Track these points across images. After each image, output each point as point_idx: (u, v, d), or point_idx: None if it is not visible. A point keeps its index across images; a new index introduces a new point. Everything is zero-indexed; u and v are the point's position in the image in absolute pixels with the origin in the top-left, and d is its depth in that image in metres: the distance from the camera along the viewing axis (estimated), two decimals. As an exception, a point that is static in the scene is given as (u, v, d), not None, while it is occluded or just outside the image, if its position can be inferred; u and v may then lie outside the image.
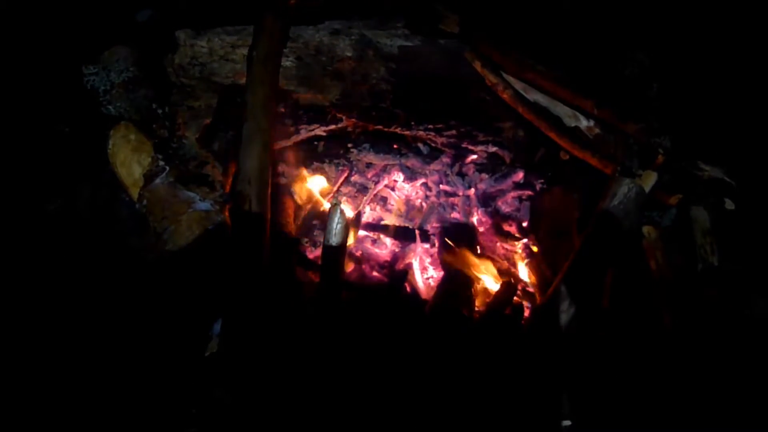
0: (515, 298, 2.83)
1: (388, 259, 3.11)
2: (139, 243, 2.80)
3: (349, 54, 3.12)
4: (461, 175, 3.43)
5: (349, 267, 3.00)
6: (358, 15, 3.20)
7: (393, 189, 3.43)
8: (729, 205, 2.73)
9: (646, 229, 2.64)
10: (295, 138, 3.36)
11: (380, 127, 3.37)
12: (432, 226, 3.21)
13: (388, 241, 3.17)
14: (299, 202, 3.24)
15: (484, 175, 3.40)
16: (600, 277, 2.38)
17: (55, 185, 2.94)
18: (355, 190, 3.43)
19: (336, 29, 3.12)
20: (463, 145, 3.43)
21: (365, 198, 3.33)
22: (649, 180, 2.44)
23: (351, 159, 3.52)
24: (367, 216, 3.28)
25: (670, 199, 2.60)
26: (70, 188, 2.94)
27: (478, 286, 2.88)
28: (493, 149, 3.41)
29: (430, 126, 3.33)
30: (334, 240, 2.45)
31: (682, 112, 3.07)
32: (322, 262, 2.48)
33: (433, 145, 3.51)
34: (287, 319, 2.53)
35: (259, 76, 2.81)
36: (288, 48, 3.03)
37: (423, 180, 3.44)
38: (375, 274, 3.02)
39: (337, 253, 2.48)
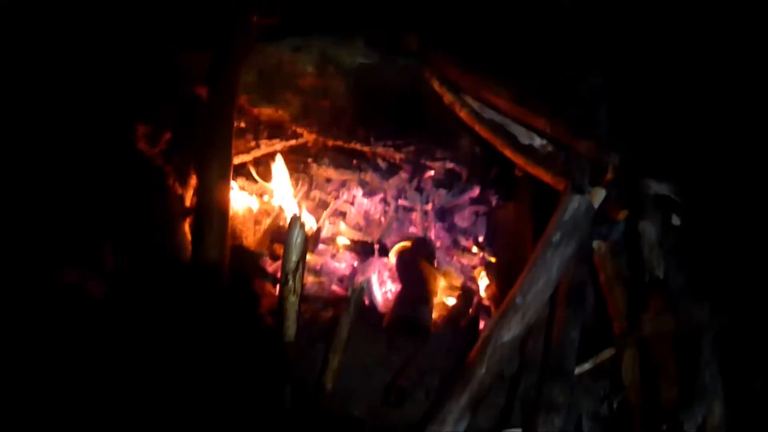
0: (471, 310, 2.89)
1: (347, 272, 3.14)
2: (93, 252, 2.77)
3: (310, 70, 3.17)
4: (419, 190, 3.50)
5: (308, 280, 3.02)
6: (319, 32, 3.25)
7: (352, 203, 3.47)
8: (675, 220, 2.85)
9: (596, 243, 2.74)
10: (255, 152, 3.39)
11: (340, 142, 3.42)
12: (390, 240, 3.26)
13: (347, 255, 3.21)
14: (258, 215, 3.25)
15: (442, 191, 3.47)
16: (552, 290, 2.45)
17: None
18: (314, 204, 3.46)
19: (297, 45, 3.18)
20: (421, 161, 3.51)
21: (325, 212, 3.36)
22: (598, 196, 2.54)
23: (311, 173, 3.56)
24: (327, 230, 3.31)
25: (618, 214, 2.69)
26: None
27: (435, 299, 2.93)
28: (451, 165, 3.49)
29: (389, 142, 3.40)
30: (294, 254, 2.47)
31: (630, 131, 3.19)
32: (281, 275, 2.50)
33: (391, 160, 3.58)
34: (245, 331, 2.55)
35: (220, 90, 2.84)
36: (250, 63, 3.07)
37: (381, 195, 3.49)
38: (334, 287, 3.05)
39: (296, 267, 2.50)
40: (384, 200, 3.48)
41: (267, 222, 3.21)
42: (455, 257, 3.24)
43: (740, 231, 2.91)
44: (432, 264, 3.08)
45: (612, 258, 2.72)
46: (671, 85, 3.37)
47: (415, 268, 3.00)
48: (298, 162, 3.58)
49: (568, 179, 2.74)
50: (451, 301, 2.98)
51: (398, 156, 3.49)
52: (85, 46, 2.98)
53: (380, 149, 3.45)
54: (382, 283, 3.12)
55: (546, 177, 2.92)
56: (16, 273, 2.45)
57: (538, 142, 3.15)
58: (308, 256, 2.79)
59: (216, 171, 2.69)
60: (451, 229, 3.34)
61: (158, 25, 3.19)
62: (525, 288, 2.40)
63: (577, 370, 2.46)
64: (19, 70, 2.83)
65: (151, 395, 2.30)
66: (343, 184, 3.53)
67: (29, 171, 2.73)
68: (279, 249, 3.09)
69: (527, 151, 3.09)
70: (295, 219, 2.46)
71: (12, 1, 2.88)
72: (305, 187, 3.49)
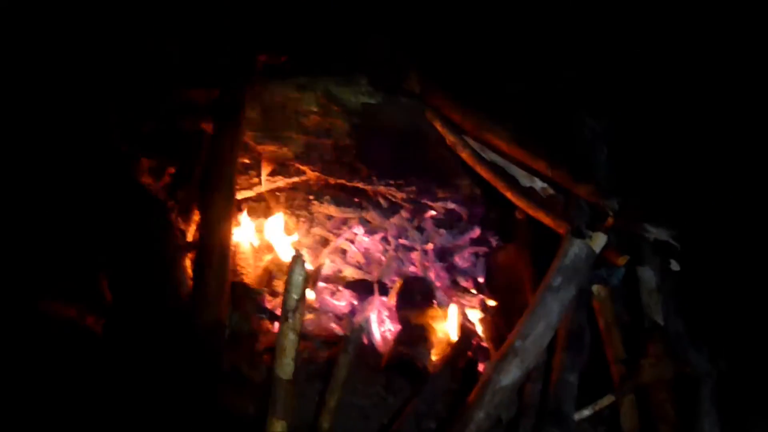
0: (469, 352, 2.88)
1: (346, 311, 3.14)
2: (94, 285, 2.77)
3: (314, 108, 3.20)
4: (420, 229, 3.52)
5: (307, 317, 3.02)
6: (323, 71, 3.29)
7: (353, 242, 3.48)
8: (674, 266, 2.85)
9: (595, 287, 2.74)
10: (258, 188, 3.41)
11: (342, 180, 3.44)
12: (390, 279, 3.26)
13: (346, 293, 3.21)
14: (260, 251, 3.26)
15: (442, 231, 3.49)
16: (552, 334, 2.45)
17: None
18: (315, 241, 3.47)
19: (302, 84, 3.21)
20: (422, 201, 3.53)
21: (326, 250, 3.37)
22: (599, 241, 2.54)
23: (312, 211, 3.57)
24: (327, 268, 3.31)
25: (618, 259, 2.69)
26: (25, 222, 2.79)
27: (434, 340, 2.92)
28: (451, 206, 3.51)
29: (391, 181, 3.41)
30: (295, 291, 2.47)
31: (629, 177, 3.22)
32: (282, 312, 2.49)
33: (393, 199, 3.59)
34: (245, 368, 2.53)
35: (224, 128, 2.86)
36: (254, 100, 3.10)
37: (382, 233, 3.50)
38: (333, 325, 3.04)
39: (296, 305, 2.50)
40: (385, 239, 3.49)
41: (267, 258, 3.21)
42: (455, 297, 3.23)
43: (739, 277, 2.93)
44: (431, 304, 3.08)
45: (611, 303, 2.72)
46: (671, 130, 3.41)
47: (414, 308, 3.00)
48: (300, 199, 3.61)
49: (568, 223, 2.75)
50: (450, 342, 2.97)
51: (399, 195, 3.51)
52: (93, 80, 3.02)
53: (382, 188, 3.47)
54: (381, 322, 3.11)
55: (546, 220, 2.94)
56: (15, 306, 2.45)
57: (539, 184, 3.18)
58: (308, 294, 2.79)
59: (219, 207, 2.70)
60: (450, 269, 3.34)
61: (165, 60, 3.23)
62: (524, 332, 2.38)
63: (576, 417, 2.44)
64: (26, 103, 2.87)
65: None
66: (344, 222, 3.54)
67: (29, 205, 2.75)
68: (278, 285, 3.09)
69: (528, 193, 3.12)
70: (297, 257, 2.46)
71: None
72: (306, 225, 3.50)
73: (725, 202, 3.12)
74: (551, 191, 3.13)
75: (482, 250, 3.42)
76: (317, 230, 3.52)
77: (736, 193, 3.15)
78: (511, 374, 2.36)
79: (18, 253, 2.61)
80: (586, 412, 2.49)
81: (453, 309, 3.13)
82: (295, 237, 3.41)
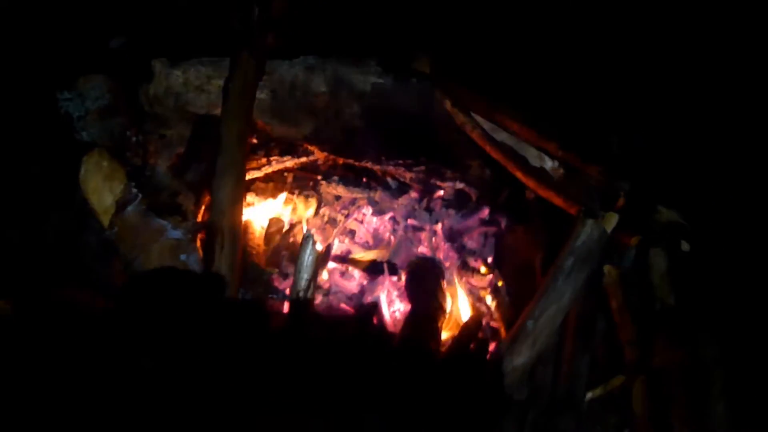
0: (480, 333, 2.89)
1: (356, 291, 3.14)
2: (105, 271, 2.78)
3: (323, 89, 3.18)
4: (429, 210, 3.51)
5: (318, 298, 3.03)
6: (332, 52, 3.27)
7: (361, 222, 3.48)
8: (685, 246, 2.84)
9: (606, 268, 2.73)
10: (267, 169, 3.40)
11: (351, 161, 3.43)
12: (400, 259, 3.26)
13: (356, 273, 3.21)
14: (269, 232, 3.26)
15: (451, 211, 3.48)
16: (564, 315, 2.45)
17: (22, 212, 2.88)
18: (323, 222, 3.47)
19: (311, 65, 3.19)
20: (431, 181, 3.51)
21: (335, 230, 3.37)
22: (611, 221, 2.53)
23: (320, 191, 3.58)
24: (336, 248, 3.32)
25: (630, 240, 2.68)
26: (37, 215, 2.89)
27: (444, 320, 2.93)
28: (461, 186, 3.50)
29: (400, 161, 3.40)
30: (306, 272, 2.48)
31: (641, 157, 3.20)
32: (292, 293, 2.50)
33: (401, 180, 3.58)
34: (256, 348, 2.54)
35: (233, 109, 2.84)
36: (263, 81, 3.08)
37: (391, 214, 3.50)
38: (343, 306, 3.05)
39: (307, 285, 2.51)
40: (393, 219, 3.49)
41: (277, 239, 3.21)
42: (464, 278, 3.23)
43: (752, 259, 2.91)
44: (441, 285, 3.08)
45: (623, 284, 2.71)
46: (682, 111, 3.38)
47: (424, 288, 3.00)
48: (308, 179, 3.62)
49: (580, 203, 2.74)
50: (460, 323, 2.98)
51: (408, 175, 3.50)
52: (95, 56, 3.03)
53: (390, 168, 3.46)
54: (390, 302, 3.12)
55: (557, 200, 2.92)
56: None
57: (549, 164, 3.16)
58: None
59: (229, 188, 2.69)
60: (460, 250, 3.34)
61: (173, 41, 3.22)
62: (536, 313, 2.39)
63: (588, 396, 2.45)
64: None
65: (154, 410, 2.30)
66: (353, 202, 3.54)
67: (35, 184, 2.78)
68: (289, 267, 3.10)
69: (539, 173, 3.10)
70: (308, 238, 2.47)
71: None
72: (314, 206, 3.50)
73: (739, 182, 3.09)
74: (562, 171, 3.11)
75: (492, 230, 3.40)
76: (325, 210, 3.52)
77: (749, 172, 3.12)
78: (522, 355, 2.38)
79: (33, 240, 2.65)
80: (598, 392, 2.50)
81: (462, 290, 3.14)
82: (304, 217, 3.41)
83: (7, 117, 2.98)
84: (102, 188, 2.71)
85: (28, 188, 2.90)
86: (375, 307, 3.03)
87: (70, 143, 2.86)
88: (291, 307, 2.56)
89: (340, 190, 3.59)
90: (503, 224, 3.39)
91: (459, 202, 3.53)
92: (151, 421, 2.24)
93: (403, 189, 3.61)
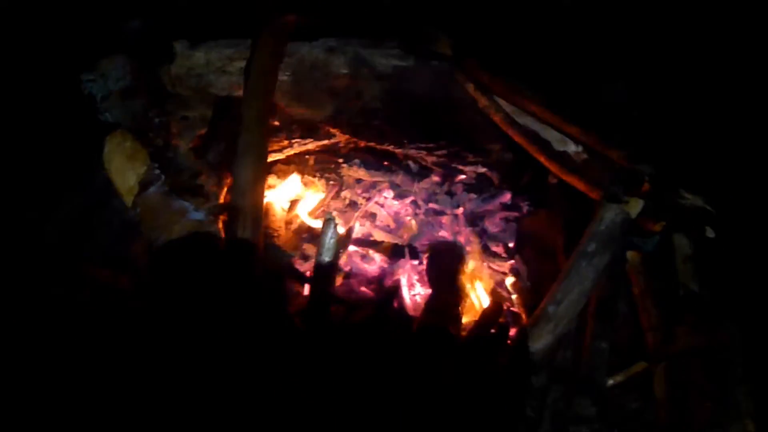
0: (501, 318, 2.88)
1: (377, 274, 3.14)
2: (127, 251, 2.81)
3: (344, 71, 3.17)
4: (450, 194, 3.49)
5: (338, 281, 3.03)
6: (353, 34, 3.25)
7: (382, 205, 3.47)
8: (709, 233, 2.80)
9: (629, 254, 2.71)
10: (288, 151, 3.40)
11: (372, 143, 3.42)
12: (420, 243, 3.25)
13: (377, 256, 3.21)
14: (290, 215, 3.27)
15: (472, 195, 3.46)
16: (585, 300, 2.43)
17: (42, 192, 2.90)
18: (344, 205, 3.47)
19: (332, 47, 3.17)
20: (453, 165, 3.50)
21: (356, 213, 3.37)
22: (636, 206, 2.50)
23: (341, 174, 3.57)
24: (357, 231, 3.32)
25: (654, 225, 2.65)
26: (57, 195, 2.92)
27: (466, 304, 2.92)
28: (482, 170, 3.48)
29: (421, 145, 3.39)
30: (327, 254, 2.49)
31: (663, 141, 3.15)
32: (313, 275, 2.51)
33: (423, 163, 3.57)
34: (276, 330, 2.56)
35: (255, 91, 2.85)
36: (284, 63, 3.07)
37: (412, 197, 3.49)
38: (363, 289, 3.05)
39: (328, 268, 2.52)
40: (414, 203, 3.47)
41: (298, 222, 3.22)
42: (485, 262, 3.22)
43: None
44: (462, 269, 3.07)
45: (645, 270, 2.68)
46: (707, 94, 3.32)
47: (445, 273, 2.99)
48: (329, 162, 3.61)
49: (603, 188, 2.71)
50: (482, 307, 2.97)
51: (430, 159, 3.48)
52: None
53: (412, 151, 3.45)
54: (411, 286, 3.11)
55: (580, 185, 2.89)
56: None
57: (572, 148, 3.12)
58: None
59: (250, 170, 2.70)
60: (481, 234, 3.32)
61: (194, 23, 3.22)
62: (558, 297, 2.38)
63: (609, 383, 2.43)
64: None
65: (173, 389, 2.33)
66: (374, 185, 3.53)
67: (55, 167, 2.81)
68: (309, 249, 3.10)
69: (561, 158, 3.07)
70: (329, 220, 2.47)
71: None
72: (336, 188, 3.50)
73: (763, 165, 3.03)
74: (585, 155, 3.08)
75: (513, 214, 3.38)
76: (346, 193, 3.52)
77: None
78: (543, 340, 2.37)
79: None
80: (619, 378, 2.48)
81: (484, 274, 3.12)
82: (325, 200, 3.41)
83: (28, 101, 3.00)
84: (125, 168, 2.74)
85: (48, 170, 2.92)
86: (395, 290, 3.02)
87: (93, 124, 2.88)
88: (311, 290, 2.57)
89: (361, 173, 3.59)
90: (525, 208, 3.38)
91: (480, 186, 3.51)
92: (177, 394, 2.28)
93: (424, 173, 3.60)
